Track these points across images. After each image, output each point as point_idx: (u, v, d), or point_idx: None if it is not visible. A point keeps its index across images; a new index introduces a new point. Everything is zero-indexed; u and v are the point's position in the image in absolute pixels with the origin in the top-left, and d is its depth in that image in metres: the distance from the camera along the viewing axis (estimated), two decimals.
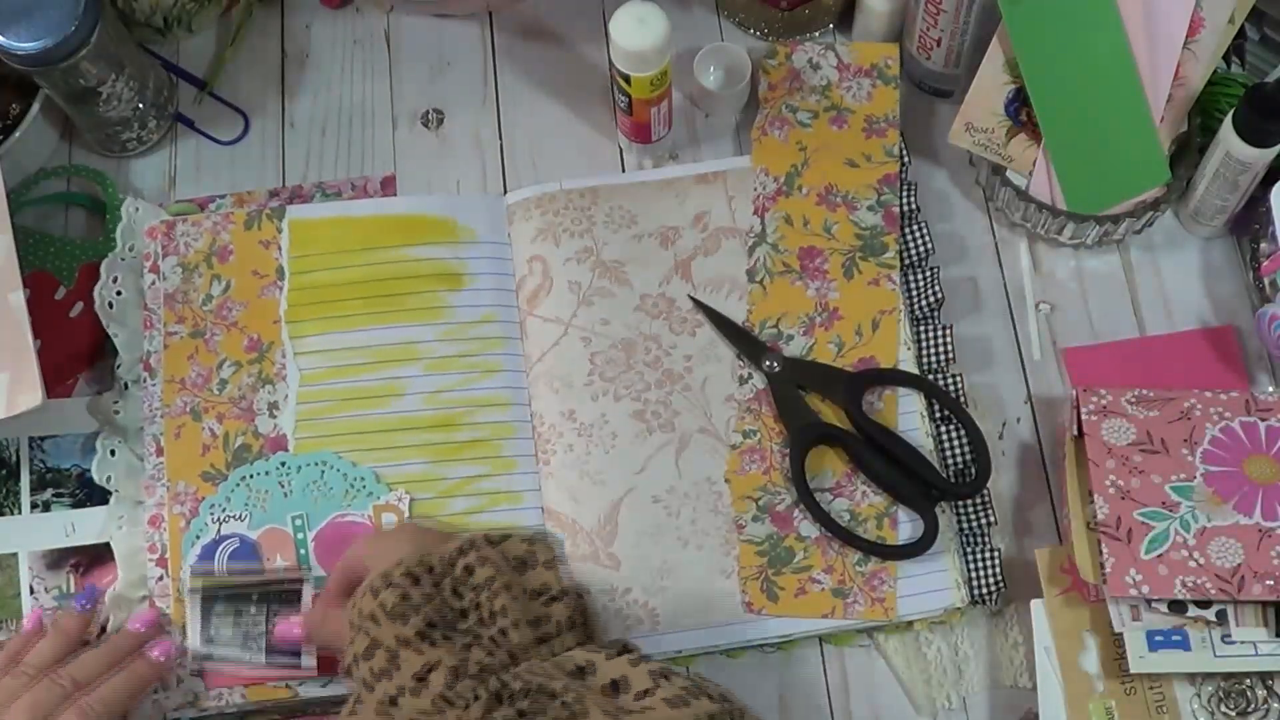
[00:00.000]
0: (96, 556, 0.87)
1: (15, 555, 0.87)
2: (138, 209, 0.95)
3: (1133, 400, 0.84)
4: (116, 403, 0.90)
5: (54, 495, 0.89)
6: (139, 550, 0.86)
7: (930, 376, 0.89)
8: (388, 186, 0.98)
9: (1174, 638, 0.80)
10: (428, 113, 1.01)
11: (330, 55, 1.03)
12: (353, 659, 0.72)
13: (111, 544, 0.87)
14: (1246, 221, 0.92)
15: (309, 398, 0.89)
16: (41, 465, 0.90)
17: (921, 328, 0.91)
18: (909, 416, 0.88)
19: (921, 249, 0.92)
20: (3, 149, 0.94)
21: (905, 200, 0.94)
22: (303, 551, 0.86)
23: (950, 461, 0.88)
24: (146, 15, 0.99)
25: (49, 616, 0.83)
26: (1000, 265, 0.95)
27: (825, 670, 0.85)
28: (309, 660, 0.83)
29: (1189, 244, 0.94)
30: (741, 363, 0.90)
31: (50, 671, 0.78)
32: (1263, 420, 0.83)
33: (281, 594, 0.84)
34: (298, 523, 0.86)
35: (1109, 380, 0.88)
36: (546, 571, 0.76)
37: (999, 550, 0.86)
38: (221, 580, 0.85)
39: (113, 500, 0.88)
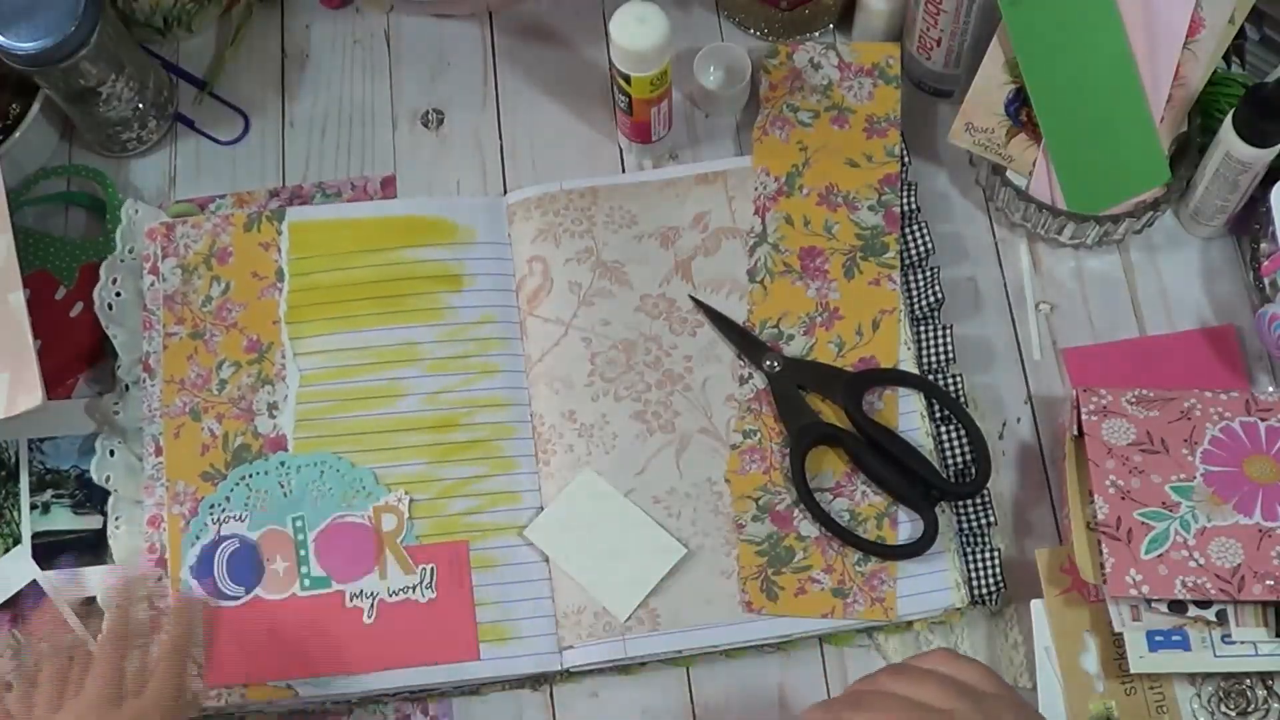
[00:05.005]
0: (94, 557, 0.87)
1: None
2: (137, 211, 0.95)
3: (1133, 400, 0.84)
4: (117, 404, 0.90)
5: (54, 496, 0.89)
6: (137, 550, 0.86)
7: (930, 376, 0.89)
8: (387, 187, 0.98)
9: (1174, 638, 0.80)
10: (428, 113, 1.00)
11: (330, 55, 1.03)
12: None
13: (110, 544, 0.87)
14: (1246, 221, 0.92)
15: (308, 398, 0.89)
16: (41, 466, 0.89)
17: (921, 328, 0.91)
18: (909, 416, 0.88)
19: (922, 249, 0.92)
20: (3, 149, 0.94)
21: (905, 200, 0.94)
22: (303, 553, 0.86)
23: (950, 461, 0.88)
24: (146, 15, 0.99)
25: None
26: (1000, 265, 0.94)
27: (825, 670, 0.85)
28: None
29: (1189, 244, 0.94)
30: (742, 363, 0.90)
31: None
32: (1263, 420, 0.83)
33: None
34: (298, 524, 0.86)
35: (1109, 380, 0.88)
36: None
37: (999, 550, 0.85)
38: None
39: (111, 500, 0.87)
